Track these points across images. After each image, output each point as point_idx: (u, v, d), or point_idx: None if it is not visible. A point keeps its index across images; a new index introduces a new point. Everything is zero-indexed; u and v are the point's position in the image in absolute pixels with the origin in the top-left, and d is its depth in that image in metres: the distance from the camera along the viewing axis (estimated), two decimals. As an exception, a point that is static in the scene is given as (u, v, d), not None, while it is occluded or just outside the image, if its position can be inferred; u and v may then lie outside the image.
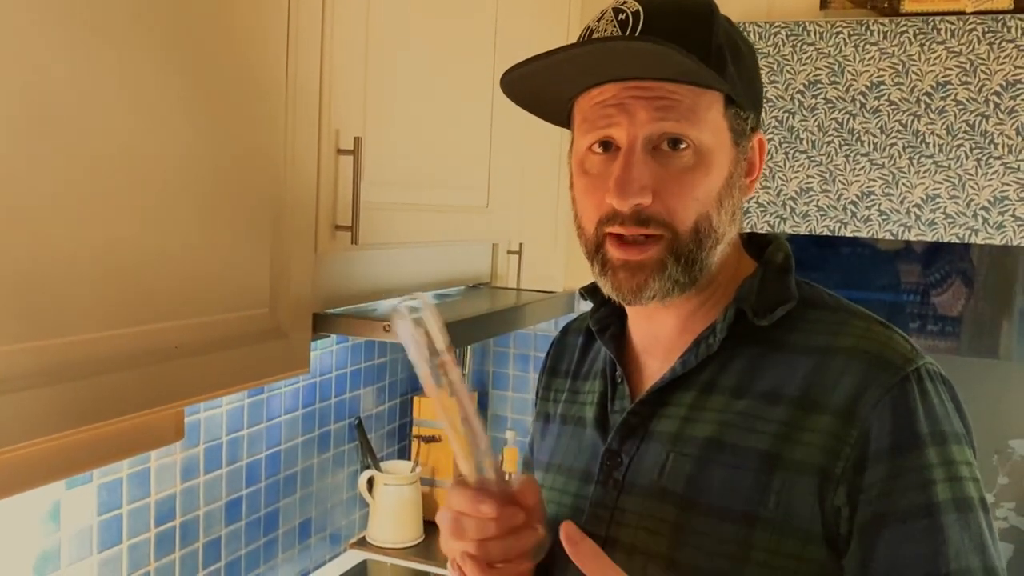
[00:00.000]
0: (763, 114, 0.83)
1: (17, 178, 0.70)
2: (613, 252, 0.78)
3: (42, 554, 1.19)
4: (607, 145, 0.78)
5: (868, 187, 1.73)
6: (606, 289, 0.81)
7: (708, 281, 0.81)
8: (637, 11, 0.75)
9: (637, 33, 0.74)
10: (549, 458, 0.93)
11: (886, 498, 0.72)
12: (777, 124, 1.79)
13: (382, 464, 2.02)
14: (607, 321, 0.91)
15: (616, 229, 0.77)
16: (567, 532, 0.70)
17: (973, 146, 1.65)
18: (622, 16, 0.76)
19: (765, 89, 1.79)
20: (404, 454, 2.19)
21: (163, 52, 0.83)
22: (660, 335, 0.85)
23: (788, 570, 0.73)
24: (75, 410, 0.76)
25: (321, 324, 1.11)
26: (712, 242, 0.78)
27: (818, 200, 1.77)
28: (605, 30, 0.77)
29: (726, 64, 0.76)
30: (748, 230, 0.91)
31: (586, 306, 0.95)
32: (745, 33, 1.79)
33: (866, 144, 1.73)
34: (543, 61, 0.76)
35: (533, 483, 0.79)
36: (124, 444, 0.88)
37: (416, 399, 2.15)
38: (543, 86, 0.81)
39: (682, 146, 0.76)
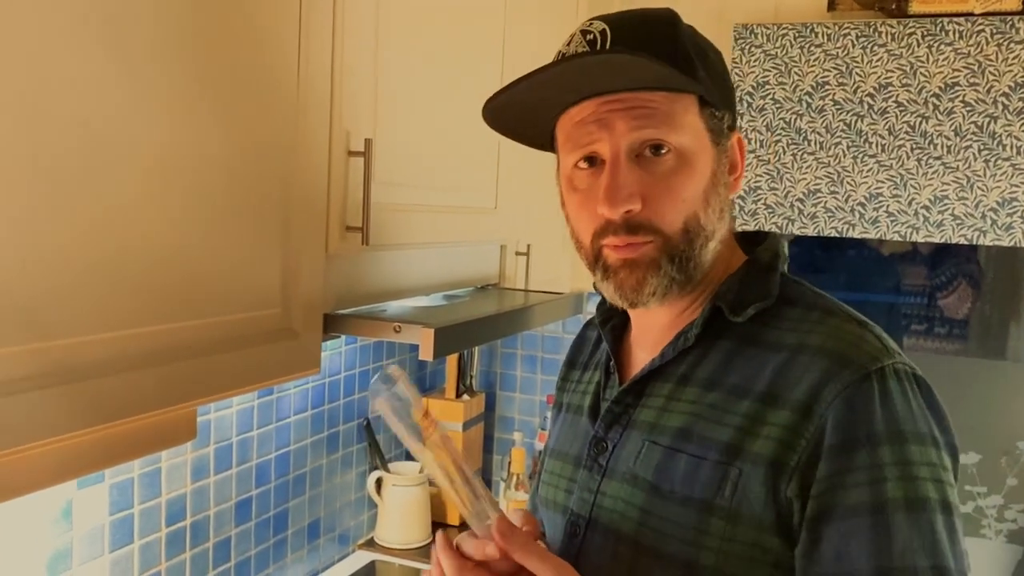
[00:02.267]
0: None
1: (28, 182, 0.71)
2: (611, 255, 0.82)
3: (55, 553, 1.20)
4: (592, 160, 0.82)
5: (876, 188, 1.73)
6: (609, 294, 0.85)
7: (701, 277, 0.84)
8: (604, 29, 0.79)
9: (607, 43, 0.78)
10: (553, 444, 1.00)
11: (834, 492, 0.73)
12: (785, 126, 1.80)
13: (390, 465, 2.02)
14: (611, 313, 0.96)
15: (611, 240, 0.81)
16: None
17: (981, 147, 1.65)
18: (590, 36, 0.80)
19: (772, 91, 1.79)
20: (412, 455, 2.19)
21: (175, 55, 0.84)
22: (652, 328, 0.89)
23: (743, 558, 0.76)
24: (87, 410, 0.77)
25: (332, 324, 1.12)
26: (703, 240, 0.81)
27: (826, 201, 1.77)
28: (576, 51, 0.80)
29: (695, 68, 0.79)
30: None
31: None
32: (752, 35, 1.80)
33: (874, 146, 1.73)
34: (520, 86, 0.80)
35: (531, 519, 0.82)
36: (137, 444, 0.89)
37: (425, 400, 2.16)
38: (523, 112, 0.85)
39: (663, 151, 0.79)
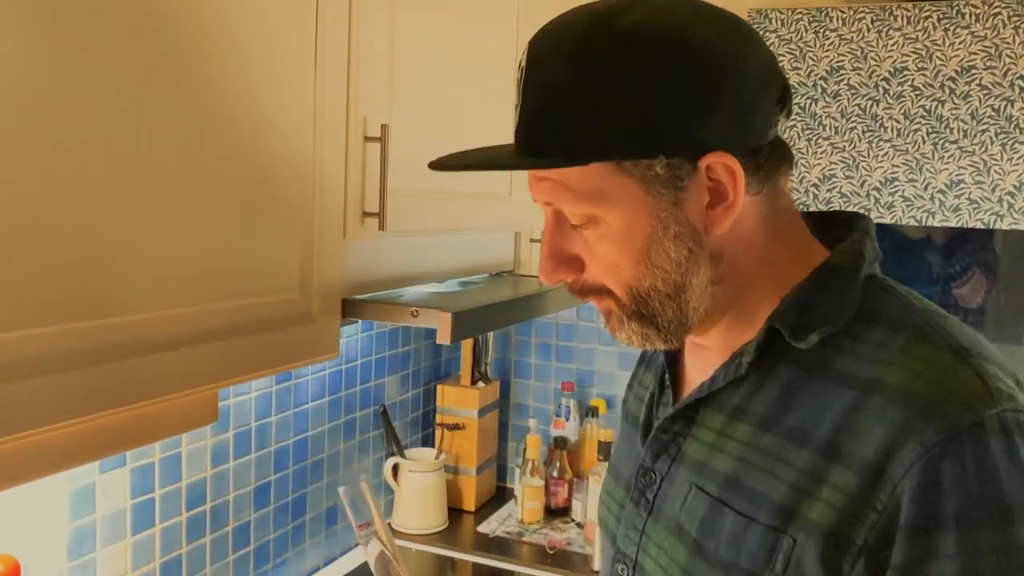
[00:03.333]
0: (720, 128, 0.67)
1: (51, 168, 0.72)
2: None
3: (77, 536, 1.22)
4: None
5: (892, 173, 1.73)
6: None
7: (729, 304, 0.73)
8: (523, 69, 0.70)
9: (519, 105, 0.71)
10: (612, 454, 0.91)
11: None
12: (800, 111, 1.79)
13: (407, 451, 2.04)
14: None
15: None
16: None
17: (998, 131, 1.64)
18: (519, 71, 0.72)
19: (787, 75, 1.78)
20: (428, 441, 2.21)
21: (194, 44, 0.85)
22: (702, 345, 0.78)
23: None
24: (110, 392, 0.78)
25: (349, 309, 1.13)
26: (661, 297, 0.70)
27: (841, 187, 1.77)
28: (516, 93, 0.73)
29: (597, 127, 0.66)
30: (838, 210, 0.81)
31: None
32: (767, 20, 1.79)
33: (889, 130, 1.72)
34: (445, 171, 0.76)
35: None
36: (160, 426, 0.90)
37: (440, 387, 2.17)
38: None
39: (579, 222, 0.71)
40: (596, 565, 1.87)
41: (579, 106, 0.66)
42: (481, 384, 2.21)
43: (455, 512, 2.13)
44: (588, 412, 2.22)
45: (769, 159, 0.70)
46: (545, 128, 0.68)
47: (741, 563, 0.67)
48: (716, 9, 0.69)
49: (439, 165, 0.76)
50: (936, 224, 1.71)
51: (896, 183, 1.72)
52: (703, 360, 0.78)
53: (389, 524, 2.03)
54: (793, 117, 1.79)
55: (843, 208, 1.77)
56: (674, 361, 0.83)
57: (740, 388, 0.72)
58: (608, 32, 0.66)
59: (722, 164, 0.67)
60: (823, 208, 1.78)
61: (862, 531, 0.62)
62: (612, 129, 0.66)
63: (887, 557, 0.61)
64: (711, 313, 0.72)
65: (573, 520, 2.13)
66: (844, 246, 0.73)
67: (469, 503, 2.16)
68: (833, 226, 0.76)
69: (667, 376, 0.82)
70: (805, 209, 1.79)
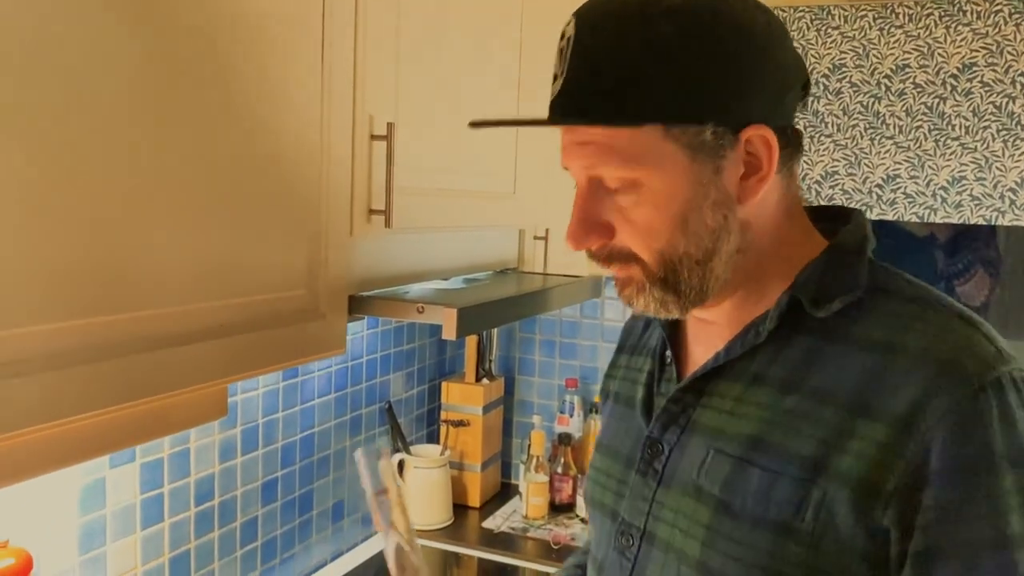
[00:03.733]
0: (760, 101, 0.73)
1: (58, 164, 0.73)
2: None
3: (88, 530, 1.23)
4: None
5: (894, 170, 1.74)
6: None
7: (743, 279, 0.76)
8: (570, 38, 0.72)
9: (565, 72, 0.72)
10: (602, 438, 0.93)
11: (949, 526, 0.65)
12: (802, 108, 1.80)
13: (412, 448, 2.05)
14: None
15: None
16: None
17: (1000, 127, 1.65)
18: (562, 43, 0.73)
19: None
20: (433, 438, 2.22)
21: (203, 43, 0.86)
22: (709, 322, 0.81)
23: None
24: (121, 386, 0.79)
25: (356, 306, 1.14)
26: (691, 264, 0.73)
27: (843, 183, 1.78)
28: (556, 61, 0.74)
29: (651, 89, 0.69)
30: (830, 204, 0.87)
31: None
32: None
33: (891, 127, 1.73)
34: (484, 127, 0.77)
35: None
36: (170, 420, 0.92)
37: (445, 384, 2.19)
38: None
39: (618, 186, 0.72)
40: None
41: (634, 70, 0.69)
42: (485, 381, 2.23)
43: (460, 508, 2.14)
44: (592, 408, 2.24)
45: (793, 140, 0.76)
46: (597, 91, 0.70)
47: (770, 515, 0.70)
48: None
49: (481, 123, 0.78)
50: (938, 220, 1.72)
51: (898, 180, 1.73)
52: (710, 335, 0.80)
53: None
54: (796, 114, 1.80)
55: (846, 205, 1.77)
56: (672, 341, 0.85)
57: (756, 358, 0.75)
58: (661, 6, 0.69)
59: (761, 137, 0.72)
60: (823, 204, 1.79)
61: (892, 478, 0.66)
62: (666, 93, 0.69)
63: (918, 501, 0.65)
64: (728, 284, 0.75)
65: (577, 516, 2.14)
66: (849, 228, 0.78)
67: (474, 499, 2.17)
68: (824, 218, 0.81)
69: (668, 354, 0.84)
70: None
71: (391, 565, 0.86)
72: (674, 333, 0.85)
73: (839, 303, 0.73)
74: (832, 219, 0.80)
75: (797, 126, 0.79)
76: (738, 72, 0.70)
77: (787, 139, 0.74)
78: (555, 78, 0.73)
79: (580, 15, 0.72)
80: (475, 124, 0.79)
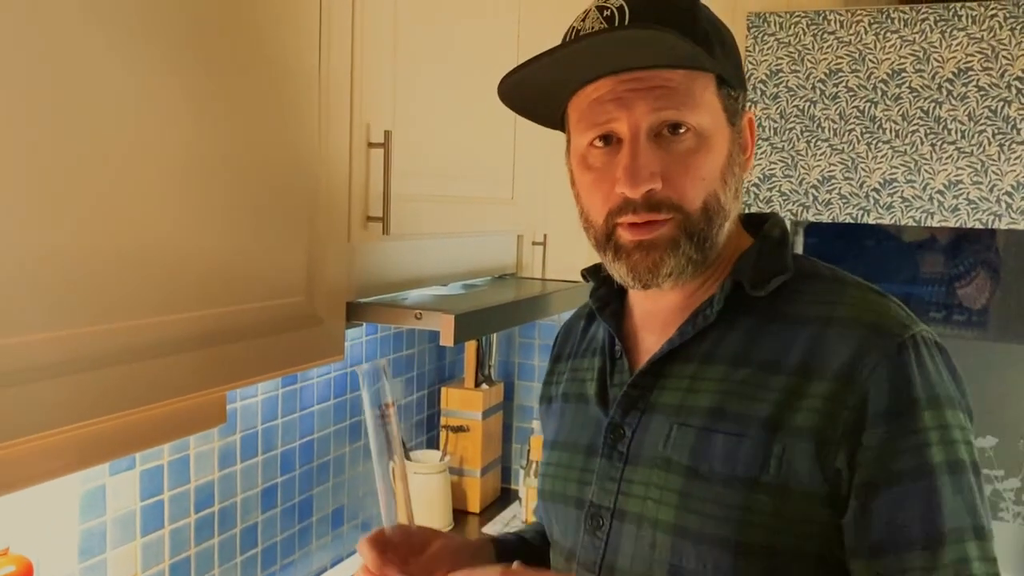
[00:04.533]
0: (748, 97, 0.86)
1: (73, 177, 0.74)
2: (625, 235, 0.80)
3: (88, 537, 1.23)
4: (607, 139, 0.80)
5: (890, 174, 1.74)
6: (620, 275, 0.83)
7: (715, 258, 0.84)
8: (621, 6, 0.78)
9: (628, 13, 0.77)
10: (554, 436, 0.96)
11: (882, 461, 0.74)
12: (799, 113, 1.81)
13: (411, 453, 2.05)
14: (607, 299, 0.94)
15: (629, 218, 0.79)
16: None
17: (996, 132, 1.66)
18: (607, 12, 0.78)
19: (785, 79, 1.80)
20: (433, 444, 2.22)
21: (201, 51, 0.87)
22: (659, 311, 0.88)
23: (792, 532, 0.76)
24: (120, 394, 0.80)
25: (354, 312, 1.15)
26: (721, 219, 0.81)
27: (840, 188, 1.78)
28: (592, 27, 0.78)
29: (713, 47, 0.79)
30: (750, 212, 0.94)
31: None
32: (766, 24, 1.81)
33: (888, 131, 1.74)
34: (538, 63, 0.78)
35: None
36: (169, 427, 0.92)
37: (444, 389, 2.19)
38: (537, 91, 0.83)
39: (682, 130, 0.78)
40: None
41: (702, 27, 0.79)
42: (485, 386, 2.23)
43: (460, 514, 2.15)
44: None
45: None
46: (680, 34, 0.74)
47: (737, 473, 0.77)
48: None
49: (519, 72, 0.81)
50: (935, 224, 1.72)
51: (895, 184, 1.74)
52: (659, 324, 0.88)
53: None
54: (792, 119, 1.81)
55: (843, 209, 1.78)
56: (619, 337, 0.91)
57: (706, 339, 0.83)
58: None
59: (751, 120, 0.86)
60: (822, 209, 1.80)
61: (839, 426, 0.75)
62: (725, 55, 0.81)
63: (859, 441, 0.74)
64: (706, 260, 0.82)
65: (577, 521, 2.14)
66: (771, 224, 0.88)
67: (474, 505, 2.17)
68: (749, 221, 0.91)
69: (618, 348, 0.91)
70: (804, 210, 1.81)
71: (380, 491, 0.88)
72: (619, 331, 0.92)
73: (775, 283, 0.82)
74: (753, 224, 0.90)
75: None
76: (740, 64, 0.85)
77: None
78: (595, 31, 0.78)
79: None
80: (510, 75, 0.81)
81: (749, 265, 0.83)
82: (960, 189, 1.69)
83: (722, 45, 0.81)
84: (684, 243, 0.79)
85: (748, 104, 0.86)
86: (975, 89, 1.66)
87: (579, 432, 0.92)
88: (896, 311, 0.80)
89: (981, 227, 1.68)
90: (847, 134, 1.77)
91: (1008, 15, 1.63)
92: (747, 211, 0.92)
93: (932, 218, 1.71)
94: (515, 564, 0.75)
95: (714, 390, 0.81)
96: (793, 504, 0.75)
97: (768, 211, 0.95)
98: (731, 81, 0.81)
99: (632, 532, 0.82)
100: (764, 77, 1.83)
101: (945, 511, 0.73)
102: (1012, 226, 1.66)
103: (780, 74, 1.82)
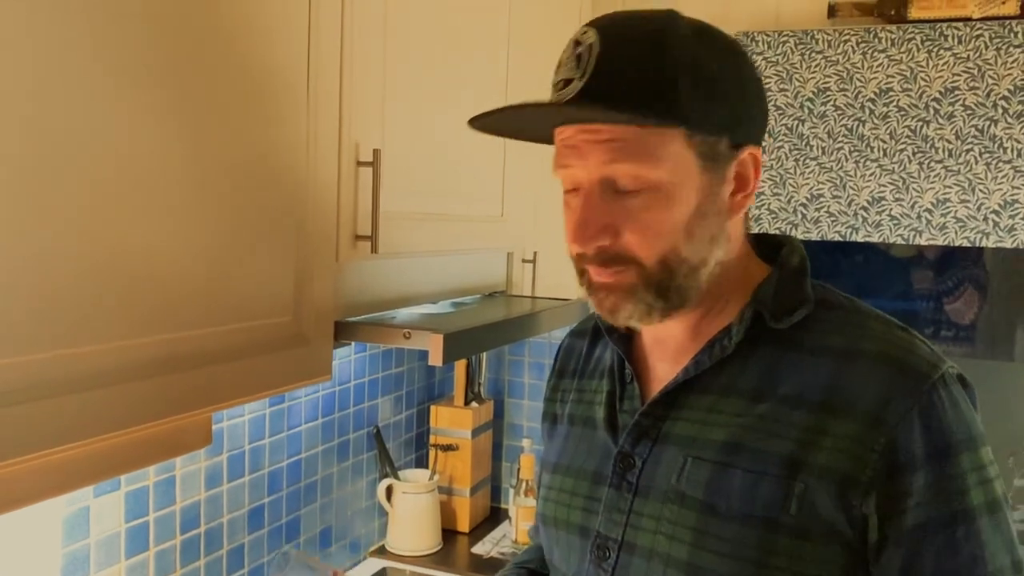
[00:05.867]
0: (756, 124, 0.82)
1: (44, 192, 0.73)
2: (591, 274, 0.80)
3: (71, 560, 1.22)
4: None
5: (879, 192, 1.75)
6: (592, 307, 0.83)
7: (706, 294, 0.81)
8: (591, 44, 0.75)
9: (589, 72, 0.74)
10: (557, 458, 0.94)
11: (926, 506, 0.72)
12: (787, 131, 1.81)
13: (400, 473, 2.04)
14: None
15: (586, 266, 0.80)
16: None
17: (982, 150, 1.67)
18: (580, 49, 0.76)
19: (774, 97, 1.81)
20: (422, 463, 2.21)
21: (189, 69, 0.86)
22: (668, 338, 0.86)
23: (808, 575, 0.74)
24: (105, 416, 0.79)
25: (343, 332, 1.14)
26: (686, 270, 0.78)
27: (829, 206, 1.79)
28: (567, 67, 0.77)
29: (679, 95, 0.73)
30: (763, 232, 0.92)
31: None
32: (754, 43, 1.82)
33: (876, 150, 1.75)
34: (497, 115, 0.79)
35: None
36: (154, 449, 0.91)
37: (433, 408, 2.18)
38: (512, 130, 0.85)
39: (633, 186, 0.75)
40: None
41: (668, 76, 0.73)
42: (475, 404, 2.22)
43: (449, 533, 2.13)
44: (581, 432, 2.23)
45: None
46: (631, 90, 0.74)
47: (756, 512, 0.75)
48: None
49: (483, 116, 0.80)
50: (923, 243, 1.73)
51: (883, 202, 1.75)
52: (670, 351, 0.85)
53: (383, 545, 2.03)
54: (781, 138, 1.82)
55: (832, 227, 1.79)
56: (629, 360, 0.89)
57: (724, 370, 0.81)
58: (683, 25, 0.76)
59: (752, 156, 0.80)
60: (811, 227, 1.80)
61: (867, 469, 0.73)
62: (695, 102, 0.74)
63: (892, 488, 0.72)
64: (700, 295, 0.80)
65: (567, 540, 2.13)
66: (788, 251, 0.85)
67: (463, 524, 2.16)
68: (756, 245, 0.87)
69: (628, 373, 0.88)
70: (792, 228, 1.81)
71: None
72: (629, 355, 0.89)
73: (799, 315, 0.80)
74: (766, 245, 0.87)
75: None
76: (749, 95, 0.79)
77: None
78: (565, 83, 0.77)
79: (602, 27, 0.76)
80: (481, 116, 0.81)
81: (770, 295, 0.81)
82: (948, 207, 1.70)
83: (699, 88, 0.74)
84: (642, 292, 0.78)
85: (753, 138, 0.80)
86: (962, 108, 1.68)
87: (585, 457, 0.89)
88: (922, 348, 0.78)
89: (969, 245, 1.69)
90: (835, 152, 1.78)
91: (994, 35, 1.65)
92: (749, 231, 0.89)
93: (920, 236, 1.72)
94: None
95: (732, 424, 0.78)
96: (813, 546, 0.74)
97: (781, 233, 0.93)
98: (705, 127, 0.75)
99: (642, 567, 0.80)
100: (752, 96, 1.84)
101: (988, 553, 0.73)
102: (999, 244, 1.67)
103: (769, 93, 1.82)
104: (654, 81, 0.74)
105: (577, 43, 0.77)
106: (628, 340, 0.90)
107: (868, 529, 0.74)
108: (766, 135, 1.82)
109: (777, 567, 0.74)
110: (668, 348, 0.86)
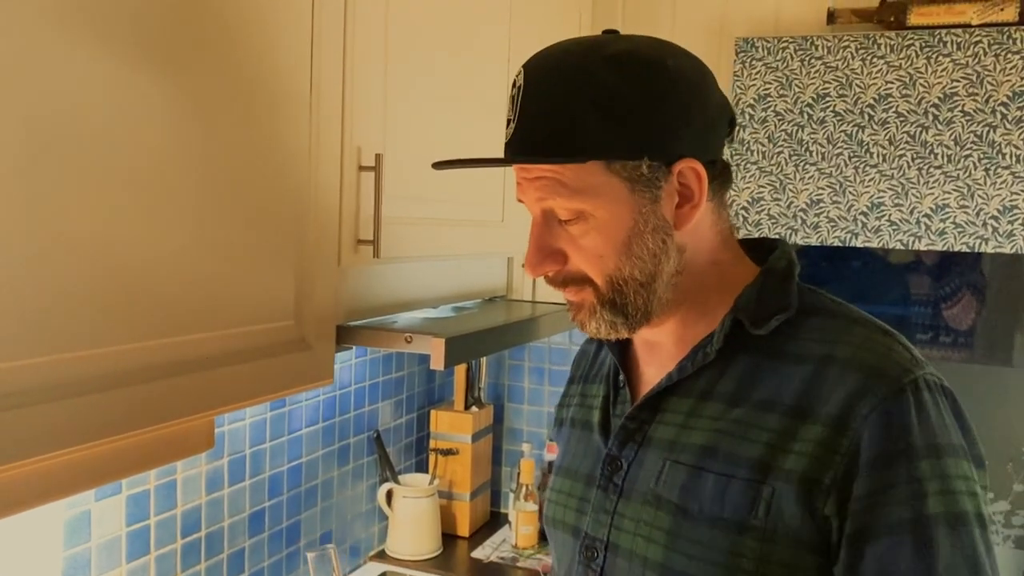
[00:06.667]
0: (692, 137, 0.80)
1: (46, 196, 0.73)
2: (562, 292, 0.86)
3: (72, 563, 1.22)
4: None
5: (878, 198, 1.75)
6: None
7: (685, 301, 0.84)
8: (520, 87, 0.80)
9: (517, 115, 0.80)
10: (560, 461, 0.97)
11: (874, 509, 0.72)
12: (787, 137, 1.82)
13: (400, 477, 2.04)
14: None
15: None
16: None
17: (981, 156, 1.67)
18: (514, 91, 0.81)
19: (772, 103, 1.81)
20: (422, 467, 2.21)
21: (190, 74, 0.87)
22: (658, 342, 0.88)
23: None
24: (107, 420, 0.79)
25: (344, 336, 1.14)
26: (636, 286, 0.81)
27: (829, 211, 1.79)
28: (509, 107, 0.82)
29: (587, 131, 0.76)
30: (758, 237, 0.93)
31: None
32: (753, 49, 1.82)
33: (875, 156, 1.75)
34: (458, 164, 0.84)
35: None
36: (156, 453, 0.91)
37: (434, 412, 2.18)
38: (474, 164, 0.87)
39: (568, 217, 0.80)
40: None
41: (578, 113, 0.76)
42: (475, 409, 2.22)
43: (449, 538, 2.13)
44: (581, 436, 2.23)
45: (721, 173, 0.84)
46: (548, 133, 0.78)
47: (725, 515, 0.76)
48: (682, 48, 0.83)
49: (444, 164, 0.85)
50: (922, 248, 1.73)
51: (883, 208, 1.75)
52: (658, 356, 0.88)
53: (383, 550, 2.03)
54: (780, 143, 1.82)
55: (831, 232, 1.79)
56: (623, 366, 0.92)
57: (704, 375, 0.83)
58: (600, 56, 0.78)
59: (691, 169, 0.80)
60: (811, 232, 1.81)
61: (829, 472, 0.73)
62: (606, 133, 0.77)
63: (850, 490, 0.73)
64: (670, 304, 0.83)
65: (567, 545, 2.13)
66: (777, 255, 0.86)
67: (463, 528, 2.16)
68: (753, 248, 0.89)
69: (621, 378, 0.91)
70: (792, 233, 1.82)
71: None
72: (624, 359, 0.92)
73: (775, 321, 0.81)
74: (760, 248, 0.89)
75: (725, 159, 0.86)
76: (669, 113, 0.78)
77: (715, 171, 0.82)
78: (508, 122, 0.81)
79: (528, 67, 0.80)
80: (438, 165, 0.86)
81: (752, 301, 0.82)
82: (947, 213, 1.70)
83: (614, 117, 0.76)
84: (600, 310, 0.82)
85: (688, 151, 0.80)
86: (961, 114, 1.68)
87: (581, 460, 0.92)
88: (900, 353, 0.77)
89: (968, 251, 1.70)
90: (835, 158, 1.78)
91: (992, 42, 1.65)
92: (742, 238, 0.91)
93: (920, 241, 1.73)
94: None
95: (708, 428, 0.80)
96: (781, 549, 0.74)
97: (773, 237, 0.93)
98: (623, 154, 0.77)
99: (624, 567, 0.82)
100: (752, 101, 1.85)
101: (941, 565, 0.70)
102: (998, 250, 1.67)
103: (768, 98, 1.83)
104: (563, 121, 0.77)
105: (514, 84, 0.82)
106: (624, 345, 0.93)
107: (830, 532, 0.74)
108: (766, 141, 1.83)
109: (746, 570, 0.75)
110: (657, 353, 0.88)
